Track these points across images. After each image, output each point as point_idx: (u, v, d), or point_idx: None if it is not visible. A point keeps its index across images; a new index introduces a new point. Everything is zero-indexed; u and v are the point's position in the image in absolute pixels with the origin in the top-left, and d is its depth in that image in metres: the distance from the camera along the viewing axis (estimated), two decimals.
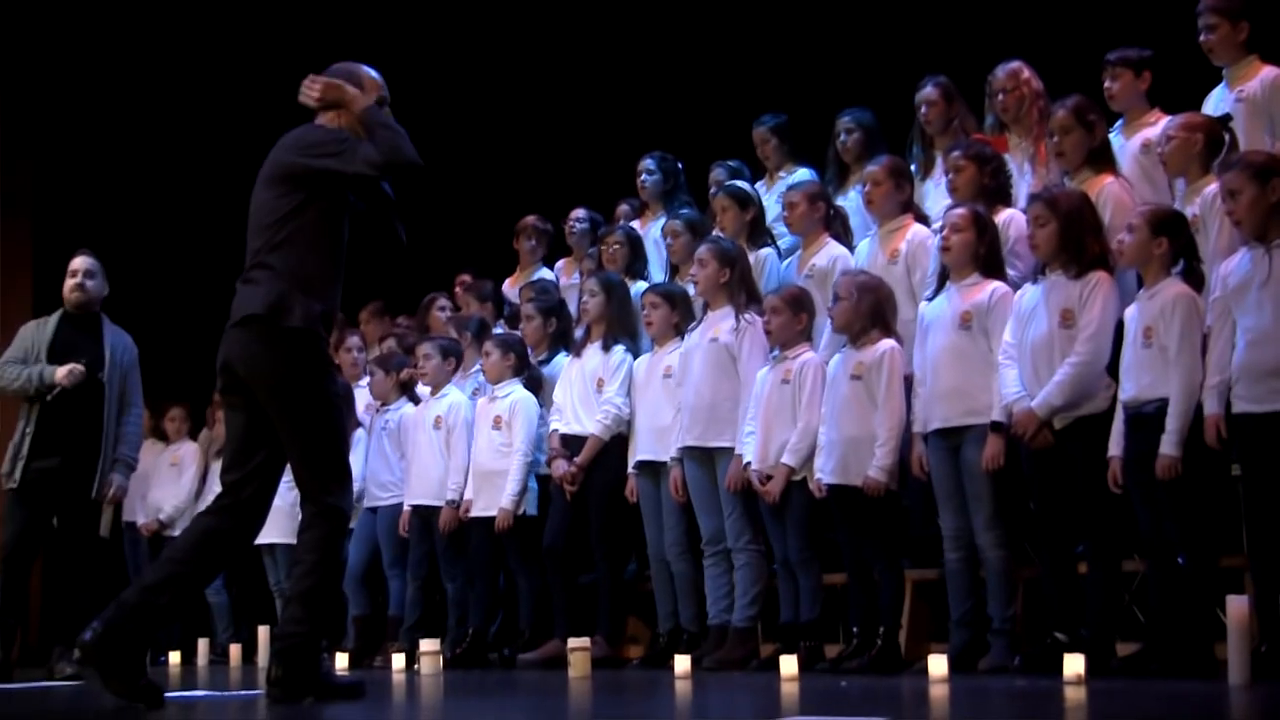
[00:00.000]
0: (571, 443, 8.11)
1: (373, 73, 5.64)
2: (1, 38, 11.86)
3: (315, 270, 5.38)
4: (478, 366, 8.78)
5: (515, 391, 8.40)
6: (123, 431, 8.19)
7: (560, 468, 8.07)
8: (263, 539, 9.20)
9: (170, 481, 10.48)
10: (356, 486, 9.02)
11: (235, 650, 9.30)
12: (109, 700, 5.08)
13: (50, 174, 12.27)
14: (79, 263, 8.26)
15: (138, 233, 12.07)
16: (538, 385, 8.51)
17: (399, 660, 7.77)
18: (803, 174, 8.26)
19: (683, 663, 6.50)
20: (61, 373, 7.96)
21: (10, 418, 8.13)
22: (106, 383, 8.08)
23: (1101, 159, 6.67)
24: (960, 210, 6.65)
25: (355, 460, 9.05)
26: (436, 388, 8.82)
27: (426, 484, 8.73)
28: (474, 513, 8.41)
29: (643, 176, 8.95)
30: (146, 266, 11.92)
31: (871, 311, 6.82)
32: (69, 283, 8.22)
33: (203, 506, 9.83)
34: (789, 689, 5.66)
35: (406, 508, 8.85)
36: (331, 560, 5.37)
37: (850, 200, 7.86)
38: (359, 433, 9.28)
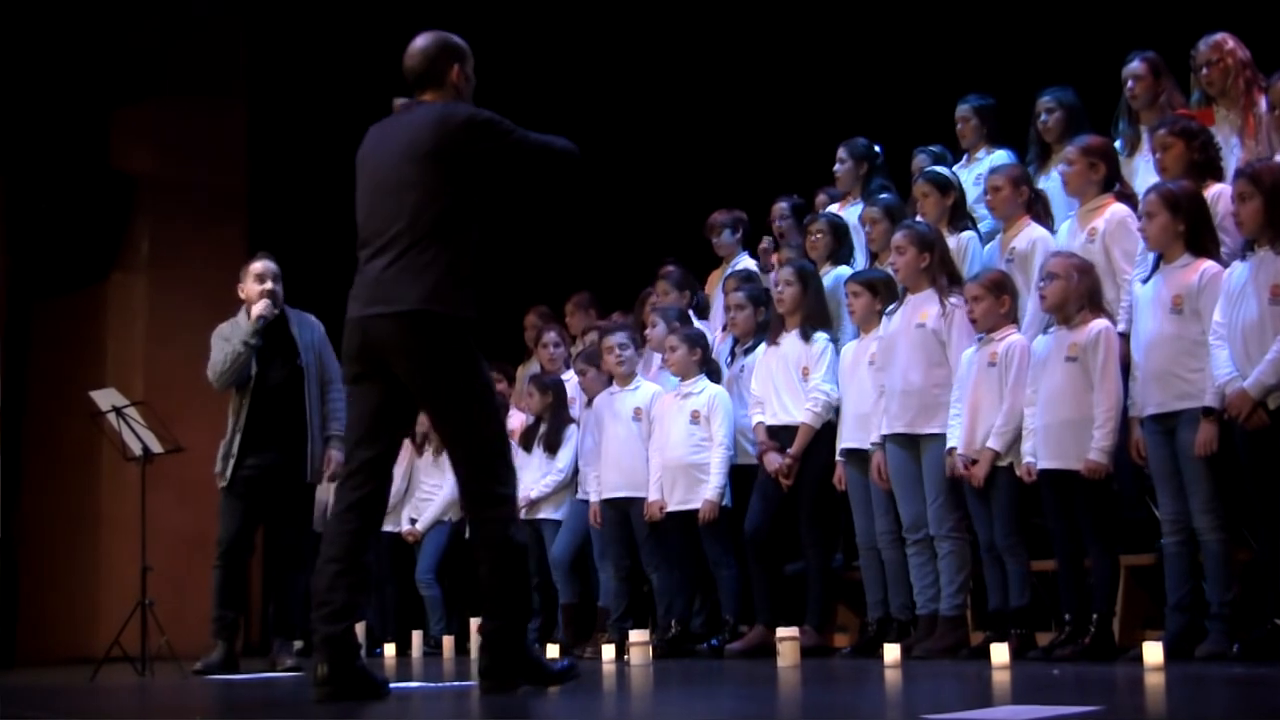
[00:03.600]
0: (777, 433, 8.09)
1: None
2: (209, 46, 12.15)
3: (468, 256, 5.36)
4: None
5: (709, 386, 8.41)
6: (329, 409, 8.27)
7: (774, 461, 8.04)
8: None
9: None
10: (564, 478, 9.18)
11: (448, 642, 9.37)
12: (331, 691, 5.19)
13: (263, 173, 12.55)
14: (264, 267, 8.29)
15: (349, 231, 12.23)
16: (717, 378, 8.53)
17: (609, 651, 7.81)
18: (1002, 155, 8.17)
19: (892, 651, 6.48)
20: (257, 309, 8.12)
21: (223, 418, 8.29)
22: (304, 367, 8.20)
23: None
24: (1150, 195, 6.52)
25: (566, 453, 9.21)
26: (628, 379, 8.77)
27: (622, 475, 8.74)
28: (672, 506, 8.42)
29: (839, 165, 8.89)
30: (354, 261, 12.10)
31: (1087, 292, 6.73)
32: (259, 288, 8.23)
33: (410, 503, 10.14)
34: (1000, 677, 5.62)
35: (596, 500, 8.87)
36: (512, 548, 5.34)
37: (1053, 181, 7.72)
38: (570, 426, 9.35)
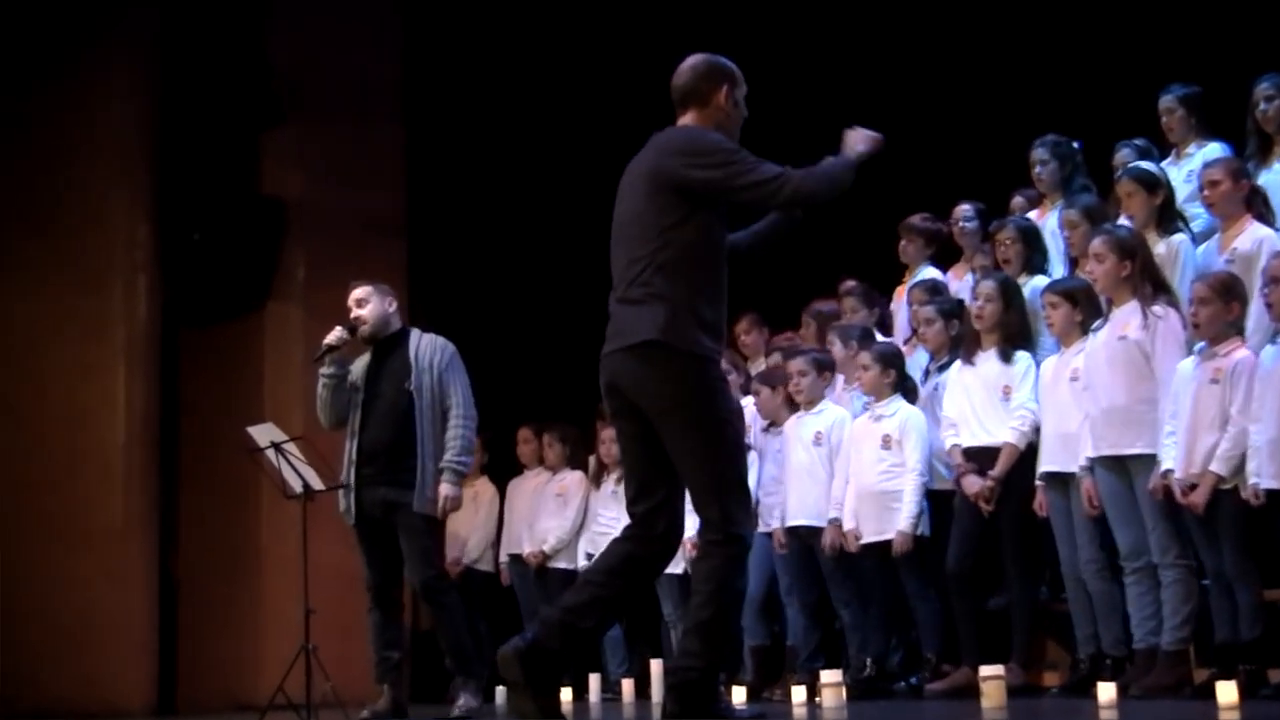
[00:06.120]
0: (975, 455, 7.70)
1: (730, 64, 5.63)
2: (362, 63, 11.97)
3: (702, 287, 5.30)
4: None
5: (902, 408, 8.06)
6: (446, 438, 8.04)
7: (974, 484, 7.63)
8: None
9: (556, 511, 10.36)
10: None
11: (628, 685, 9.14)
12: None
13: (422, 197, 12.44)
14: (351, 295, 8.23)
15: (516, 253, 12.18)
16: (913, 399, 8.19)
17: (799, 693, 7.46)
18: (1216, 149, 7.71)
19: (1107, 690, 6.13)
20: (327, 338, 8.04)
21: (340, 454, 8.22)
22: (415, 390, 8.00)
23: None
24: None
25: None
26: (812, 403, 8.54)
27: (802, 503, 8.47)
28: (865, 538, 8.08)
29: (1036, 167, 8.46)
30: (523, 286, 12.01)
31: None
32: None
33: (586, 536, 9.87)
34: (1228, 718, 5.30)
35: (780, 528, 8.59)
36: (730, 589, 5.34)
37: (1274, 174, 7.33)
38: (751, 455, 8.89)
